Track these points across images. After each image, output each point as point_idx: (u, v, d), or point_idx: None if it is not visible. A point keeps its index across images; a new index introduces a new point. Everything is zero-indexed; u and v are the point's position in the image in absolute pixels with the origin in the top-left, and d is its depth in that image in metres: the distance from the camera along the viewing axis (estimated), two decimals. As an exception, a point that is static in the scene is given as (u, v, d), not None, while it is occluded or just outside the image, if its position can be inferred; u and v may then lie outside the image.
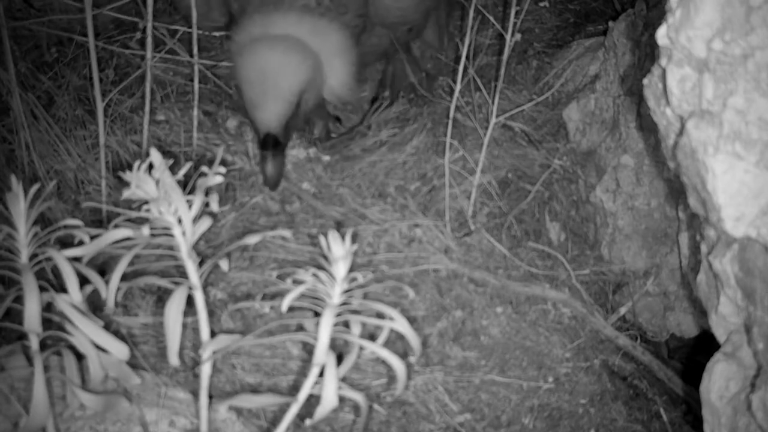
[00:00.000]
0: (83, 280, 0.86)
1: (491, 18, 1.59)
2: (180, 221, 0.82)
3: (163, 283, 0.85)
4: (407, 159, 1.81)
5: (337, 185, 1.74)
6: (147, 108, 1.57)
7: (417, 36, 1.90)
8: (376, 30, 1.70)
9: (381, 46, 1.79)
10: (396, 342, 1.02)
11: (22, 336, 0.86)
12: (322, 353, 0.79)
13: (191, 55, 1.60)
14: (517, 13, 1.50)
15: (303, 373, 1.32)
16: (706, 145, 0.91)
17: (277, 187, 1.57)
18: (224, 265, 0.84)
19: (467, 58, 1.54)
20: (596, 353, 1.49)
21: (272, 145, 1.51)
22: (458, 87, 1.56)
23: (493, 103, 1.57)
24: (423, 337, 1.45)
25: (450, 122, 1.60)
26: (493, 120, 1.58)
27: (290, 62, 1.51)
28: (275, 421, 1.19)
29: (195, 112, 1.67)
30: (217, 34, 2.01)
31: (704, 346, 1.35)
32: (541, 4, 2.27)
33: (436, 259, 1.56)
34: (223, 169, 0.84)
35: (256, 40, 1.54)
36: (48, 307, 0.85)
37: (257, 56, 1.51)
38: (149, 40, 1.51)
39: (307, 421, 0.80)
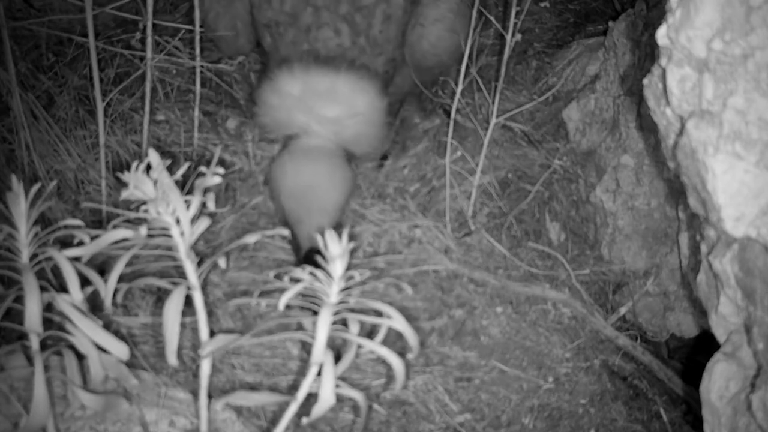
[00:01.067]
0: (83, 280, 0.86)
1: (492, 19, 1.59)
2: (178, 221, 0.82)
3: (162, 283, 0.85)
4: (407, 160, 1.81)
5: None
6: (147, 108, 1.57)
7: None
8: (402, 71, 1.67)
9: (404, 87, 1.76)
10: (395, 342, 1.02)
11: (23, 336, 0.86)
12: (320, 352, 0.79)
13: (192, 56, 1.60)
14: (517, 13, 1.50)
15: (302, 372, 1.32)
16: (706, 145, 0.91)
17: None
18: (222, 262, 0.84)
19: (469, 58, 1.54)
20: (596, 353, 1.49)
21: (315, 258, 1.48)
22: (459, 88, 1.56)
23: (493, 103, 1.57)
24: (423, 336, 1.45)
25: (451, 123, 1.60)
26: (493, 120, 1.58)
27: (336, 182, 1.48)
28: (275, 420, 1.19)
29: (195, 112, 1.67)
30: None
31: (704, 346, 1.35)
32: (542, 4, 2.26)
33: (436, 260, 1.56)
34: (221, 170, 0.84)
35: (295, 149, 1.49)
36: (48, 307, 0.85)
37: (300, 171, 1.47)
38: (149, 40, 1.51)
39: (304, 420, 0.80)
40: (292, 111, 1.49)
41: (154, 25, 1.50)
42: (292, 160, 1.50)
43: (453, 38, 1.61)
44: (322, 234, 1.51)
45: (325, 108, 1.48)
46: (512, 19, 1.50)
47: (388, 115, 1.61)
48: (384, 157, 1.81)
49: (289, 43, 1.53)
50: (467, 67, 1.55)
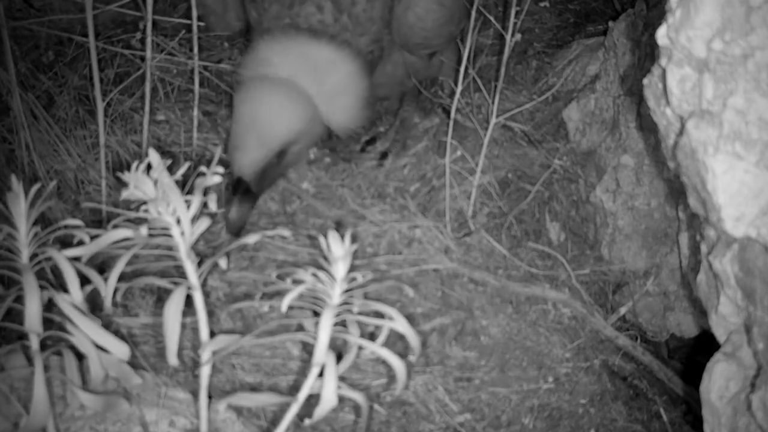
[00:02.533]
0: (83, 280, 0.86)
1: (491, 18, 1.59)
2: (178, 221, 0.82)
3: (163, 283, 0.85)
4: (407, 159, 1.81)
5: (337, 186, 1.74)
6: (147, 107, 1.57)
7: (434, 75, 1.86)
8: (393, 57, 1.65)
9: (396, 77, 1.73)
10: (396, 342, 1.02)
11: (23, 336, 0.86)
12: (322, 353, 0.79)
13: (192, 56, 1.60)
14: (517, 13, 1.50)
15: (303, 373, 1.32)
16: (706, 145, 0.91)
17: (238, 234, 1.47)
18: (223, 263, 0.84)
19: (468, 59, 1.54)
20: (596, 353, 1.49)
21: (242, 191, 1.43)
22: (459, 88, 1.55)
23: (493, 103, 1.57)
24: (423, 337, 1.45)
25: (451, 123, 1.60)
26: (493, 120, 1.58)
27: (282, 112, 1.45)
28: (275, 421, 1.19)
29: (195, 112, 1.67)
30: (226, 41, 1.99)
31: (704, 346, 1.35)
32: (542, 4, 2.26)
33: (436, 260, 1.56)
34: (221, 169, 0.84)
35: (257, 78, 1.49)
36: (48, 307, 0.85)
37: (252, 97, 1.45)
38: (149, 40, 1.51)
39: (307, 421, 0.80)
40: (273, 76, 1.48)
41: (153, 24, 1.50)
42: (250, 85, 1.48)
43: (441, 11, 1.59)
44: (256, 168, 1.41)
45: (303, 72, 1.47)
46: (512, 19, 1.50)
47: (371, 96, 1.59)
48: (384, 156, 1.81)
49: (272, 18, 1.52)
50: (465, 67, 1.55)
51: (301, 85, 1.48)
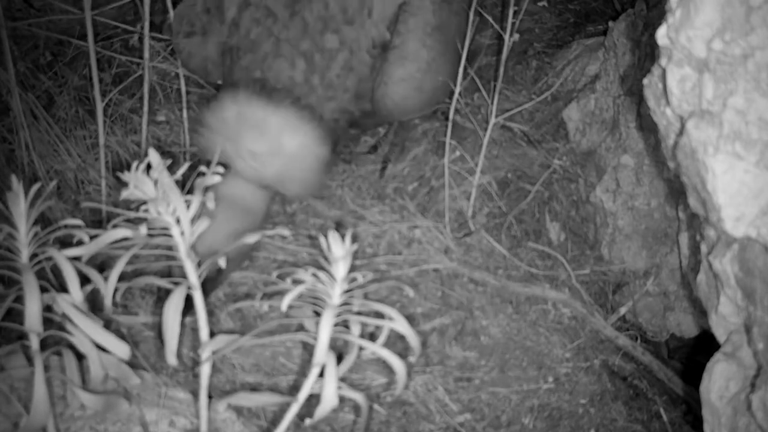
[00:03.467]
0: (84, 280, 0.86)
1: (490, 18, 1.59)
2: (178, 221, 0.82)
3: (162, 283, 0.85)
4: (406, 161, 1.81)
5: (337, 186, 1.74)
6: (145, 108, 1.57)
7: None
8: (377, 117, 1.62)
9: (381, 125, 1.72)
10: (396, 342, 1.02)
11: (22, 336, 0.86)
12: (322, 353, 0.79)
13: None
14: (515, 13, 1.50)
15: (303, 373, 1.32)
16: (706, 145, 0.91)
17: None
18: (223, 263, 0.84)
19: (467, 59, 1.54)
20: (596, 353, 1.49)
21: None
22: (458, 89, 1.55)
23: (492, 103, 1.57)
24: (423, 337, 1.45)
25: (450, 124, 1.60)
26: (492, 120, 1.58)
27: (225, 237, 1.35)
28: (275, 421, 1.19)
29: (184, 114, 1.68)
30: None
31: (704, 346, 1.35)
32: (540, 4, 2.26)
33: (436, 260, 1.56)
34: (220, 169, 0.84)
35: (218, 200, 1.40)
36: (48, 307, 0.85)
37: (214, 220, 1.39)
38: (146, 42, 1.51)
39: (307, 421, 0.80)
40: (223, 137, 1.42)
41: (150, 26, 1.50)
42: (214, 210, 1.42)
43: (420, 96, 1.56)
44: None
45: (252, 140, 1.41)
46: (510, 19, 1.50)
47: (326, 163, 1.53)
48: (385, 161, 1.81)
49: (243, 68, 1.48)
50: (465, 67, 1.55)
51: (258, 179, 1.42)
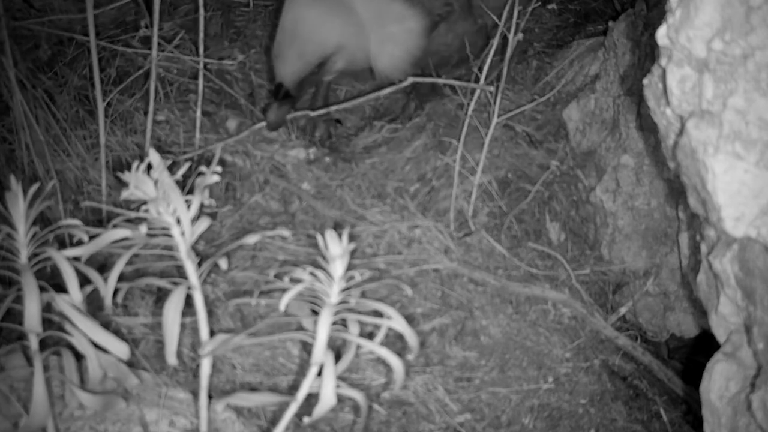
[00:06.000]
0: (83, 280, 0.86)
1: (494, 17, 1.59)
2: (179, 221, 0.82)
3: (163, 283, 0.85)
4: (406, 160, 1.81)
5: (337, 186, 1.74)
6: (151, 105, 1.57)
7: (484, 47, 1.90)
8: (456, 27, 1.69)
9: (450, 48, 1.77)
10: (395, 342, 1.02)
11: (22, 336, 0.86)
12: (320, 352, 0.79)
13: (196, 55, 1.61)
14: (520, 13, 1.50)
15: (303, 372, 1.32)
16: (706, 145, 0.91)
17: (275, 129, 1.61)
18: (223, 263, 0.84)
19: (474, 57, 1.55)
20: (596, 353, 1.49)
21: (282, 96, 1.52)
22: (482, 82, 1.57)
23: (494, 102, 1.57)
24: (423, 336, 1.45)
25: (465, 124, 1.61)
26: (494, 120, 1.58)
27: (326, 24, 1.50)
28: (275, 420, 1.19)
29: (198, 113, 1.68)
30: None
31: (704, 346, 1.35)
32: (549, 7, 2.27)
33: (436, 260, 1.56)
34: (220, 169, 0.84)
35: None
36: (48, 307, 0.85)
37: (299, 6, 1.50)
38: (154, 38, 1.50)
39: (306, 419, 0.80)
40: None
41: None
42: None
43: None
44: (296, 77, 1.50)
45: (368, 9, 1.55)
46: (514, 19, 1.50)
47: (423, 58, 1.65)
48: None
49: None
50: (468, 66, 1.55)
51: (357, 11, 1.54)
